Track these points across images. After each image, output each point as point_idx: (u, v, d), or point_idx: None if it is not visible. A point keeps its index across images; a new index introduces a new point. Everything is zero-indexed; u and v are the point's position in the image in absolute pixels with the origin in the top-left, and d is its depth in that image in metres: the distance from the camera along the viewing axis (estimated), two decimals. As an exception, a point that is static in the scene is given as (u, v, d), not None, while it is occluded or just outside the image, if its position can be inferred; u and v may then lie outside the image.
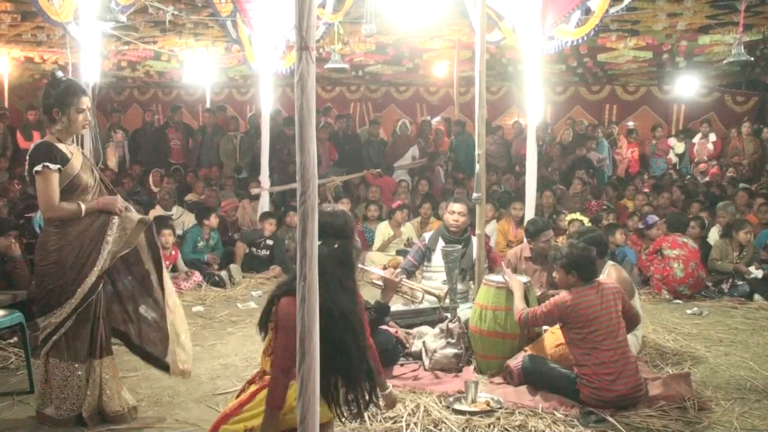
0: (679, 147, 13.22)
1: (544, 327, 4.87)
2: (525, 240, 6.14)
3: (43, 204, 3.82)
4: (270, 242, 8.36)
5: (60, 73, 3.97)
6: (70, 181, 3.86)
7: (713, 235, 8.25)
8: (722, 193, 10.35)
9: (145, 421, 4.04)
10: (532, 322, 4.38)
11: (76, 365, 3.92)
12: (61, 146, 3.88)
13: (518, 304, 4.50)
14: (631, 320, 4.40)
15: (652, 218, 8.31)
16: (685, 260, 7.14)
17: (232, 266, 7.94)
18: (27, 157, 3.87)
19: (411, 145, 12.03)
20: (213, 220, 8.19)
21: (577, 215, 7.53)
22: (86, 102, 3.96)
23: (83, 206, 3.87)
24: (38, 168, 3.77)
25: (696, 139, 13.14)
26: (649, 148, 13.22)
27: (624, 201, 10.17)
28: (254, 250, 8.35)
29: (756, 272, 7.35)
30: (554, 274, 4.44)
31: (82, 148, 4.55)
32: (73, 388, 3.91)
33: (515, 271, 5.57)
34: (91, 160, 4.13)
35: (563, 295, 4.25)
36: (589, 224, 7.07)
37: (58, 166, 3.81)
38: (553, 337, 4.61)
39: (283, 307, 3.03)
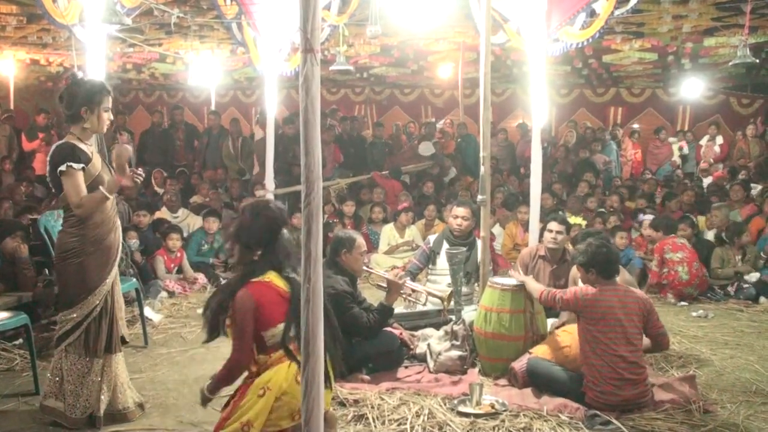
0: (676, 148, 13.16)
1: (549, 329, 4.89)
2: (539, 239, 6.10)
3: (73, 204, 3.81)
4: None
5: (80, 74, 3.97)
6: (93, 179, 3.87)
7: (712, 236, 8.22)
8: (721, 195, 10.32)
9: (150, 423, 4.05)
10: (551, 302, 4.45)
11: (94, 361, 3.92)
12: (83, 146, 3.88)
13: (535, 286, 4.66)
14: (656, 341, 4.30)
15: (642, 217, 8.45)
16: (689, 262, 7.11)
17: None
18: (48, 159, 3.86)
19: (421, 160, 11.90)
20: (212, 224, 8.16)
21: (578, 219, 7.48)
22: (110, 101, 3.99)
23: (103, 190, 3.86)
24: (62, 168, 3.76)
25: (703, 141, 13.11)
26: (652, 154, 13.18)
27: (631, 205, 10.13)
28: None
29: (756, 275, 7.33)
30: (572, 275, 4.49)
31: None
32: (87, 385, 3.92)
33: (527, 268, 5.64)
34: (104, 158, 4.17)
35: (586, 286, 4.30)
36: (584, 224, 7.00)
37: (82, 165, 3.81)
38: (558, 339, 4.60)
39: (237, 301, 3.20)
